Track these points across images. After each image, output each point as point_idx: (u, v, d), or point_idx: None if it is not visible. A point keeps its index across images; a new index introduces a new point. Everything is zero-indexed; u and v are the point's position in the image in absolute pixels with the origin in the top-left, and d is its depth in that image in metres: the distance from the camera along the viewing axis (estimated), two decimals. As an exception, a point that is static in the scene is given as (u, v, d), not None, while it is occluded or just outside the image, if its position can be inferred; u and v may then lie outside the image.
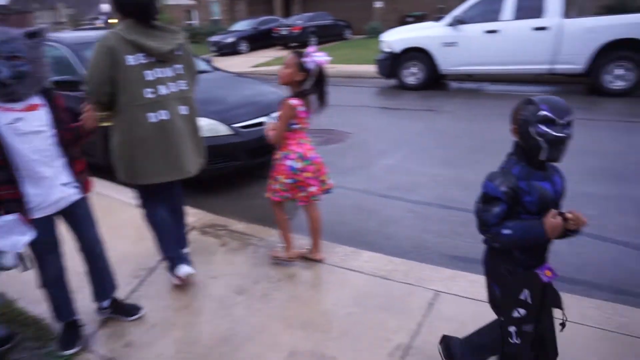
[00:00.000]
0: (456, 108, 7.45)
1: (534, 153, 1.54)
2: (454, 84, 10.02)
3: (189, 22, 29.39)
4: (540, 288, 1.63)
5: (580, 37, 7.86)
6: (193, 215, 3.68)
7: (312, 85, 2.66)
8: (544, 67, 8.27)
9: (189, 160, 2.63)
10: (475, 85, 9.77)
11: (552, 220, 1.50)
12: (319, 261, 2.96)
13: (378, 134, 6.09)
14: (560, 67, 8.18)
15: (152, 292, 2.77)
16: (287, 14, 24.57)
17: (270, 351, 2.24)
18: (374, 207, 3.91)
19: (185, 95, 2.59)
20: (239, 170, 4.55)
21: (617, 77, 7.81)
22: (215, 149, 4.21)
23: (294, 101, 2.62)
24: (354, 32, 21.02)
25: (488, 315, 2.38)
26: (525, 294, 1.62)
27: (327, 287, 2.76)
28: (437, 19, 9.87)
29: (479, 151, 5.16)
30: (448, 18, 8.94)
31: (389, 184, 4.38)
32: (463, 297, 2.56)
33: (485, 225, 1.61)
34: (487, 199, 1.60)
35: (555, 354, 1.72)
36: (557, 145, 1.50)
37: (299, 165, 2.71)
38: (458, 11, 8.84)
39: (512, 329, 1.68)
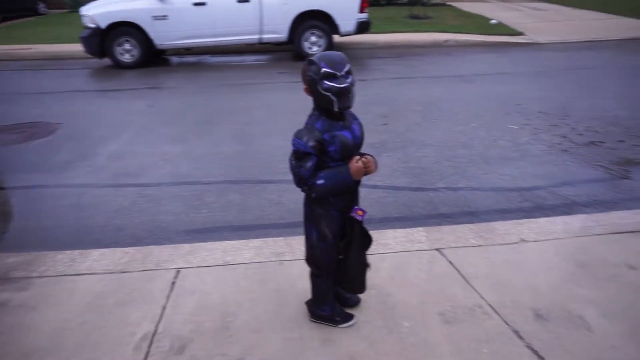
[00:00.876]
0: (179, 83, 7.35)
1: (328, 106, 1.68)
2: (175, 59, 9.82)
3: None
4: (352, 226, 1.88)
5: (278, 9, 8.72)
6: None
7: None
8: (254, 37, 8.90)
9: None
10: (195, 58, 9.80)
11: (355, 164, 1.73)
12: None
13: (96, 120, 5.49)
14: (267, 36, 8.96)
15: None
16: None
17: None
18: (100, 200, 3.55)
19: None
20: None
21: (312, 44, 9.06)
22: None
23: None
24: (49, 5, 18.04)
25: (228, 277, 2.51)
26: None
27: (53, 301, 2.38)
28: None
29: (206, 123, 5.26)
30: (153, -11, 8.54)
31: (114, 171, 4.03)
32: (203, 267, 2.61)
33: (301, 180, 1.74)
34: (298, 155, 1.72)
35: (358, 287, 2.03)
36: (344, 95, 1.67)
37: None
38: (161, -18, 8.54)
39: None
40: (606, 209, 3.22)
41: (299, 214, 3.23)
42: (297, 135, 1.72)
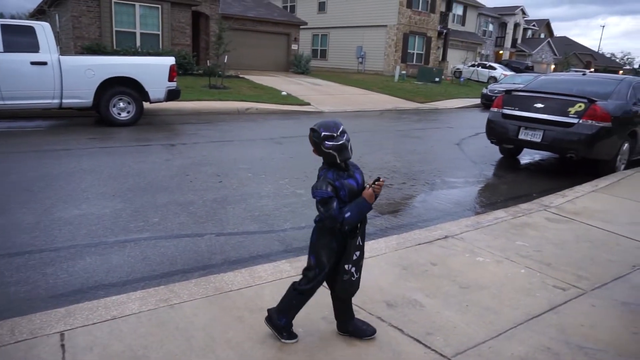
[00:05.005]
0: (-37, 151, 6.33)
1: (333, 160, 2.15)
2: (-59, 125, 8.32)
3: None
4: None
5: (82, 73, 8.43)
6: None
7: None
8: (53, 101, 8.31)
9: None
10: (-29, 124, 8.49)
11: (367, 192, 2.18)
12: None
13: None
14: (69, 101, 8.48)
15: None
16: None
17: None
18: None
19: None
20: None
21: (121, 110, 8.95)
22: None
23: None
24: None
25: (122, 328, 2.55)
26: (357, 241, 2.29)
27: None
28: None
29: (26, 191, 4.77)
30: None
31: None
32: (90, 324, 2.56)
33: (334, 219, 2.13)
34: (324, 201, 2.12)
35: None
36: (343, 150, 2.13)
37: None
38: None
39: (353, 269, 2.31)
40: (408, 229, 4.34)
41: (167, 265, 3.42)
42: (317, 187, 2.13)
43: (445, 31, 31.77)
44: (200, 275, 3.26)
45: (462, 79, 28.37)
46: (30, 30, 8.11)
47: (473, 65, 31.63)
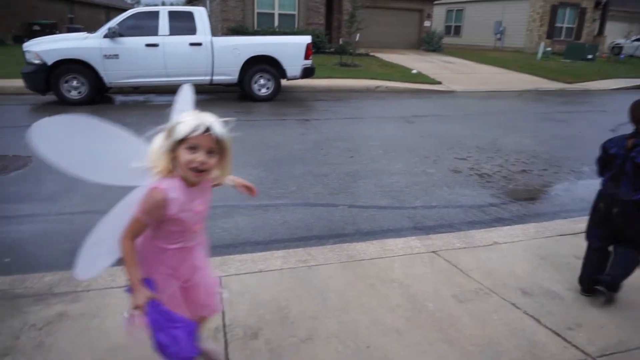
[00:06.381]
0: (139, 119, 7.46)
1: None
2: (120, 97, 9.85)
3: None
4: None
5: (230, 52, 9.26)
6: None
7: None
8: (205, 78, 9.29)
9: None
10: (142, 97, 9.91)
11: None
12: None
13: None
14: (219, 78, 9.40)
15: None
16: None
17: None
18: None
19: None
20: None
21: (261, 86, 9.65)
22: None
23: None
24: None
25: (268, 280, 2.85)
26: None
27: (113, 310, 2.55)
28: (73, 29, 9.45)
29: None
30: (104, 30, 8.69)
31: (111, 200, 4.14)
32: (241, 274, 2.92)
33: None
34: None
35: None
36: None
37: None
38: (113, 23, 8.73)
39: None
40: (549, 219, 4.05)
41: (304, 230, 3.67)
42: None
43: (604, 0, 27.78)
44: (334, 242, 3.46)
45: (622, 56, 24.70)
46: (190, 15, 9.13)
47: (638, 40, 27.26)
